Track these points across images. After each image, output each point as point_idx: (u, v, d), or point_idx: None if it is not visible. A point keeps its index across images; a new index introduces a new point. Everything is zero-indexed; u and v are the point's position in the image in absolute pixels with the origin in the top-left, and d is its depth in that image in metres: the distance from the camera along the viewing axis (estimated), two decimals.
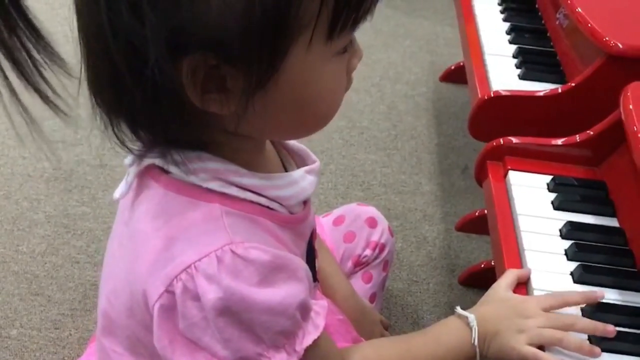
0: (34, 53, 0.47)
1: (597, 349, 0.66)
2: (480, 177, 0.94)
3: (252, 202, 0.56)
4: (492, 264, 0.87)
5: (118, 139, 0.54)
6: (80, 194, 1.36)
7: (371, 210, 1.00)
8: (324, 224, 0.98)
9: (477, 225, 1.23)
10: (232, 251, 0.52)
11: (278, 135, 0.60)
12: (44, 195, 1.35)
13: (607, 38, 0.93)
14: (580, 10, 1.00)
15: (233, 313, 0.52)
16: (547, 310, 0.69)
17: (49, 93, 0.49)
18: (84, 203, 1.34)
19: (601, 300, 0.71)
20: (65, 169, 1.41)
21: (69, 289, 1.17)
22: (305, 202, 0.63)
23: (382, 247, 0.98)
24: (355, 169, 1.48)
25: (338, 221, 0.98)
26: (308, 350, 0.57)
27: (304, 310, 0.57)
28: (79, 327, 1.10)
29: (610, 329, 0.66)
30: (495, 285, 0.74)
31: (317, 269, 0.73)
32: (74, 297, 1.15)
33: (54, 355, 1.07)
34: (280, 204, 0.58)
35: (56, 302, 1.14)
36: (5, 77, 0.47)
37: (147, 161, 0.56)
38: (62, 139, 1.47)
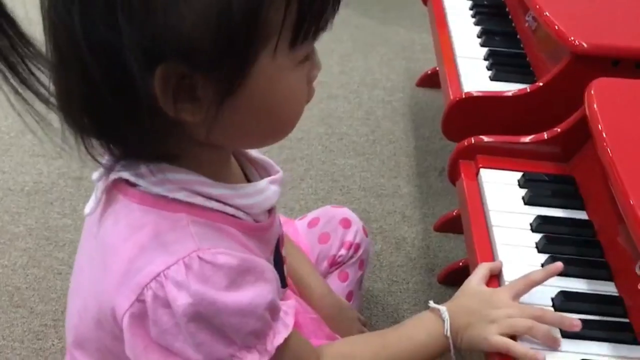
0: (27, 58, 0.48)
1: (559, 341, 0.67)
2: (454, 176, 0.96)
3: (218, 211, 0.57)
4: None
5: (90, 155, 0.55)
6: (61, 206, 1.36)
7: (345, 211, 1.02)
8: (299, 227, 1.00)
9: (454, 224, 1.24)
10: (200, 257, 0.53)
11: (247, 142, 0.61)
12: (24, 208, 1.35)
13: (572, 38, 0.96)
14: (547, 13, 1.03)
15: (204, 317, 0.53)
16: (517, 296, 0.71)
17: (45, 95, 0.50)
18: (65, 215, 1.34)
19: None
20: (46, 182, 1.42)
21: (51, 300, 1.17)
22: (270, 212, 0.65)
23: (357, 247, 0.99)
24: (335, 174, 1.50)
25: (313, 223, 1.00)
26: (279, 349, 0.58)
27: (273, 310, 0.58)
28: (62, 337, 1.11)
29: (576, 323, 0.67)
30: (468, 280, 0.75)
31: (285, 275, 0.74)
32: (56, 307, 1.16)
33: None
34: (246, 213, 0.60)
35: (38, 313, 1.15)
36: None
37: (114, 175, 0.57)
38: (42, 153, 1.48)
